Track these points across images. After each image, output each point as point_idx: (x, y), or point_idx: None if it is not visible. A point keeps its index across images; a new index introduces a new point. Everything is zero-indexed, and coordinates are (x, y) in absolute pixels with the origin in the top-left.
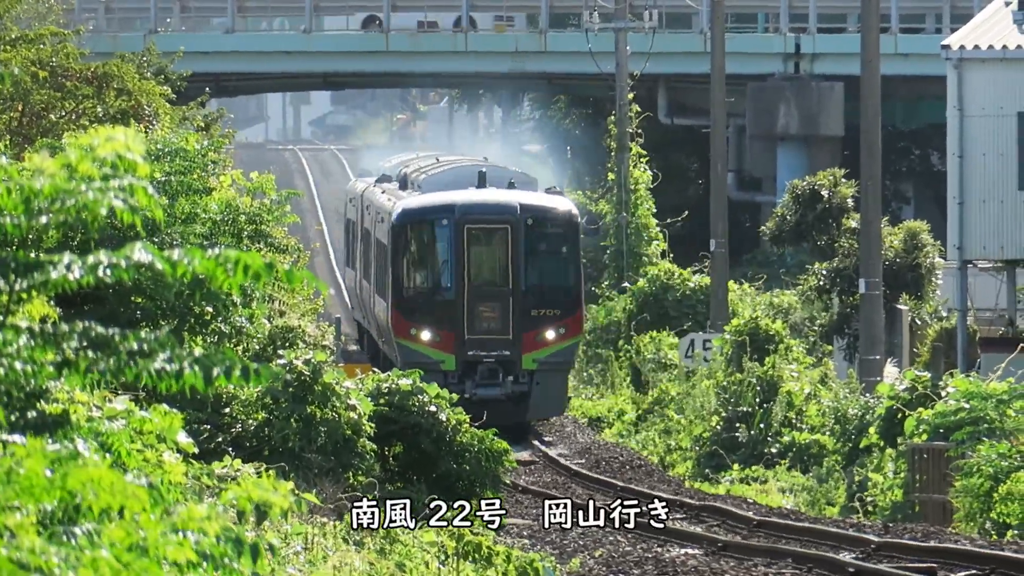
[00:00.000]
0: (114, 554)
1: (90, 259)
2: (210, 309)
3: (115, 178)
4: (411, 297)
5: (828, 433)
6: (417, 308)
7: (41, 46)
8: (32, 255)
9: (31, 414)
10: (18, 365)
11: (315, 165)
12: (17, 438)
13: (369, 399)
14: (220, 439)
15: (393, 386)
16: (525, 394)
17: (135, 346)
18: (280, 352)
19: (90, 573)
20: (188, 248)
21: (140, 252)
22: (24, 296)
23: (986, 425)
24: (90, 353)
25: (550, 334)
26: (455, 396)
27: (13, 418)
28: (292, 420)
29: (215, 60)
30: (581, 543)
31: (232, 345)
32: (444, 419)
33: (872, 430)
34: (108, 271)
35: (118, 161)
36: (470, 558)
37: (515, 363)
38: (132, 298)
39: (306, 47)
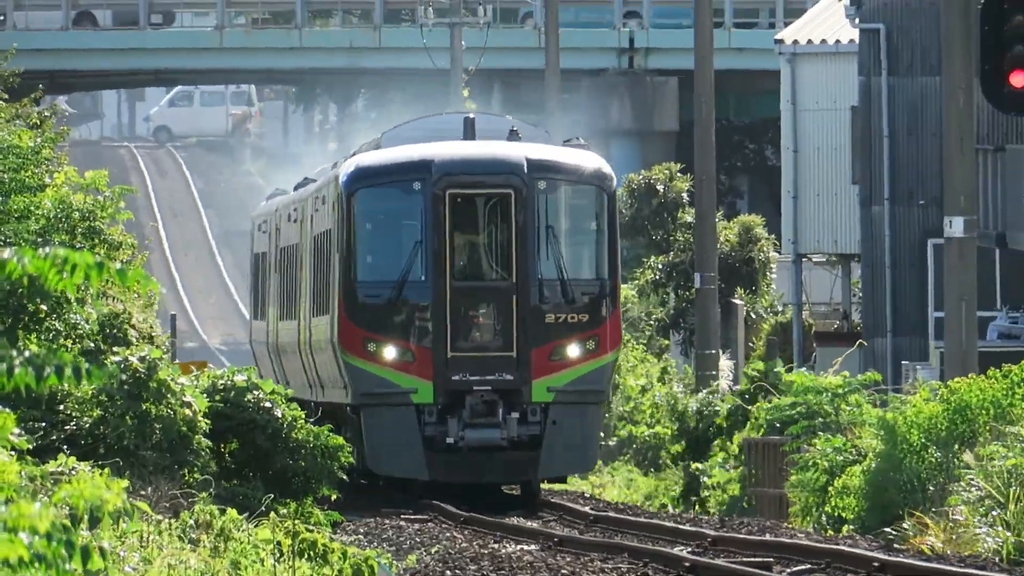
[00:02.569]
0: None
1: None
2: (44, 307)
3: None
4: (367, 297)
5: (666, 428)
6: (377, 313)
7: None
8: None
9: None
10: None
11: (151, 163)
12: None
13: (204, 396)
14: (54, 437)
15: (228, 382)
16: (536, 439)
17: None
18: (115, 349)
19: None
20: (20, 248)
21: None
22: None
23: (821, 419)
24: None
25: (573, 350)
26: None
27: None
28: (127, 417)
29: (49, 57)
30: (418, 539)
31: (67, 342)
32: (279, 415)
33: (715, 425)
34: None
35: None
36: (306, 556)
37: (521, 393)
38: None
39: (140, 44)
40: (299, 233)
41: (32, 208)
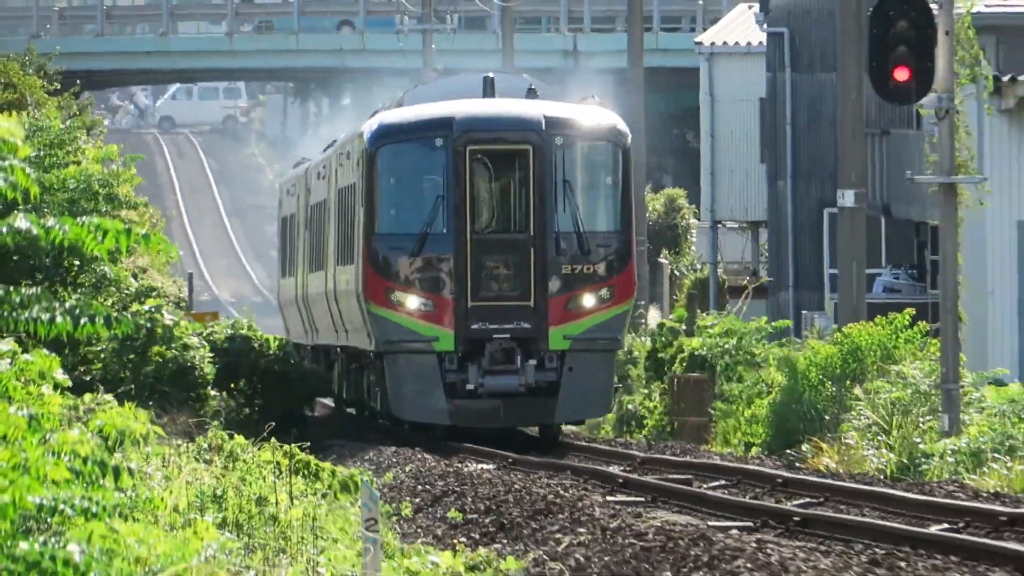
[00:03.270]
0: (6, 471)
1: None
2: (77, 264)
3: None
4: (391, 249)
5: None
6: (400, 264)
7: None
8: None
9: None
10: None
11: (172, 147)
12: None
13: (224, 341)
14: (89, 376)
15: (238, 331)
16: (553, 385)
17: (16, 300)
18: (135, 303)
19: None
20: (62, 217)
21: (21, 220)
22: None
23: (737, 358)
24: None
25: (589, 300)
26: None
27: None
28: (148, 358)
29: (87, 60)
30: (394, 460)
31: (99, 295)
32: (275, 358)
33: (641, 363)
34: None
35: (2, 144)
36: (300, 473)
37: (539, 341)
38: (13, 257)
39: (163, 48)
40: (327, 188)
41: (62, 181)
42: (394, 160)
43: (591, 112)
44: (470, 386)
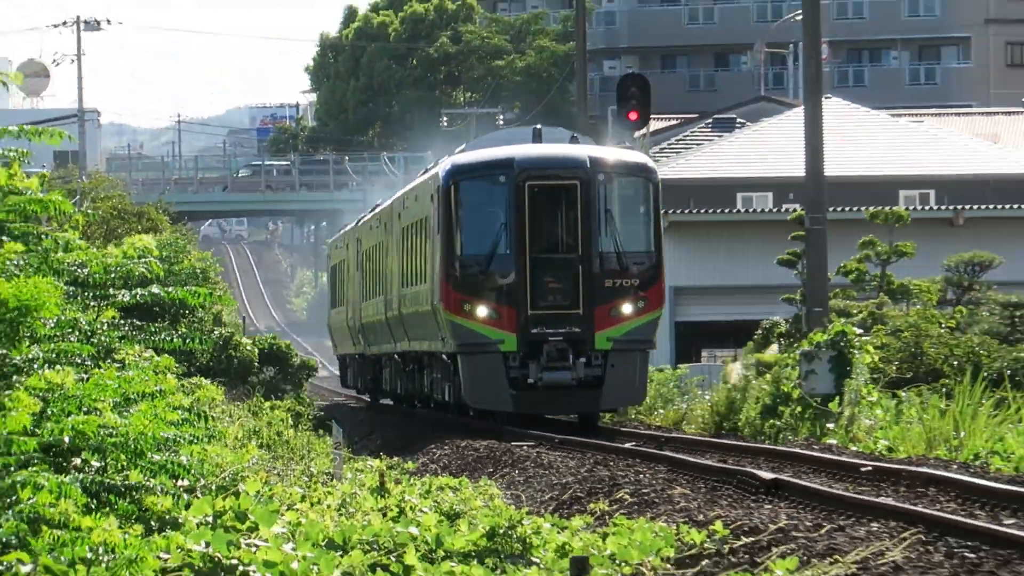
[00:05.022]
0: (145, 418)
1: (134, 292)
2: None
3: (143, 257)
4: (464, 267)
5: None
6: (471, 280)
7: (112, 200)
8: (108, 291)
9: (108, 360)
10: (103, 338)
11: (233, 250)
12: (101, 370)
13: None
14: (192, 368)
15: (273, 344)
16: (599, 379)
17: (154, 329)
18: (216, 329)
19: (135, 427)
20: (177, 287)
21: (155, 288)
22: (104, 308)
23: None
24: (135, 333)
25: (627, 308)
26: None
27: (99, 362)
28: (222, 358)
29: (188, 205)
30: (352, 413)
31: (196, 327)
32: (293, 354)
33: None
34: (140, 297)
35: (145, 250)
36: (302, 420)
37: (587, 342)
38: (153, 308)
39: (226, 198)
40: (384, 233)
41: (181, 270)
42: (465, 193)
43: (626, 153)
44: (530, 380)
